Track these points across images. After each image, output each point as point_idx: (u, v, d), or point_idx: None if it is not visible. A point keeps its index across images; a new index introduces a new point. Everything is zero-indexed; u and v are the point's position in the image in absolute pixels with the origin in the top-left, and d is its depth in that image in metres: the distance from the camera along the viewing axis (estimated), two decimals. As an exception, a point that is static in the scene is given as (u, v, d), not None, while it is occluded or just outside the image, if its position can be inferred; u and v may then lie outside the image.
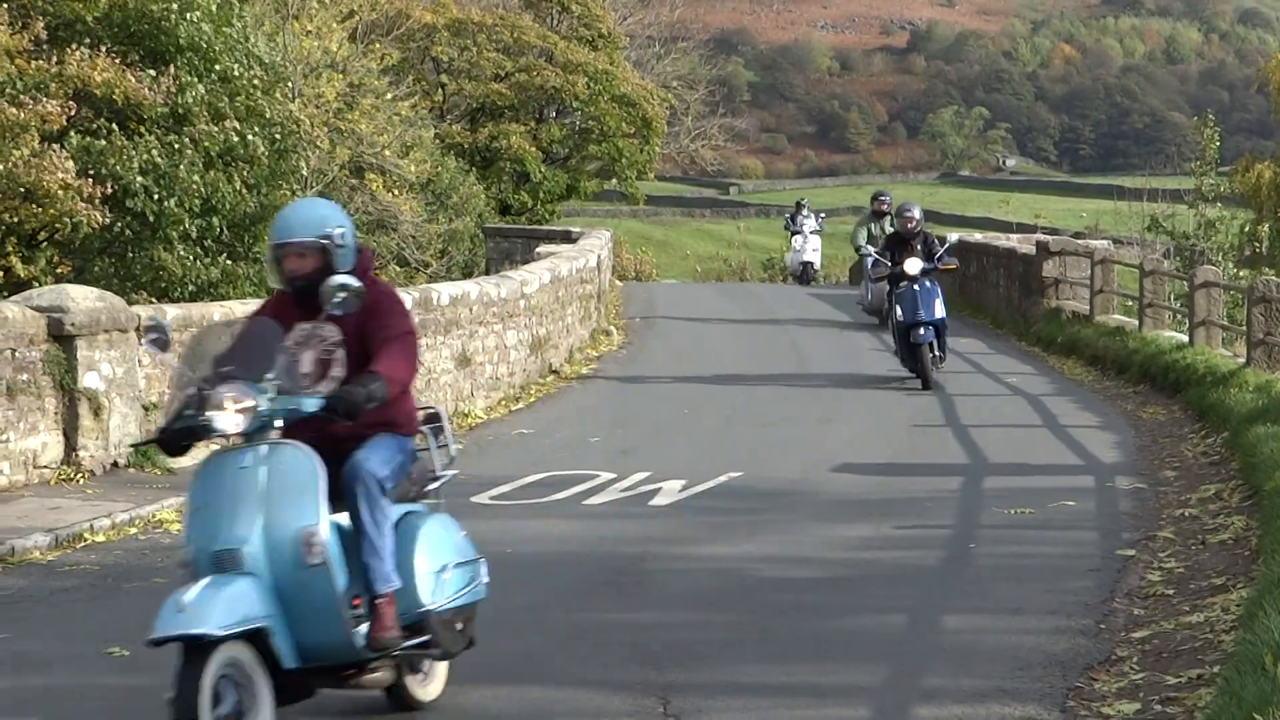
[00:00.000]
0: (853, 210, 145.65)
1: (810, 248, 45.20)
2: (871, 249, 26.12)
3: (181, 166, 23.57)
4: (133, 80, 23.68)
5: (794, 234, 45.89)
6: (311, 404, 7.71)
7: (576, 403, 23.04)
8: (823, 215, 49.61)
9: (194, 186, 23.63)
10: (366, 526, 7.81)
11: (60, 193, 22.03)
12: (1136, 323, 26.47)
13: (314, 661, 7.67)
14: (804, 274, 45.17)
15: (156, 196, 23.45)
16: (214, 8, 25.35)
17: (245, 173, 24.86)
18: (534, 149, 51.90)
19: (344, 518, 7.84)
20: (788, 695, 8.62)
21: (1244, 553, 11.70)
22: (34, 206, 22.32)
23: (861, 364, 26.23)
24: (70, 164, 22.42)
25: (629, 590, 11.18)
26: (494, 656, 9.34)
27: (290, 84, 31.05)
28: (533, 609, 10.73)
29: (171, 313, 16.69)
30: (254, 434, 7.64)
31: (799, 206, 46.56)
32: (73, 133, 23.52)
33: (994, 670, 8.95)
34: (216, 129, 24.45)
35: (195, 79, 24.71)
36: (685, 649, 9.51)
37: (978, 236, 42.49)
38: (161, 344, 7.85)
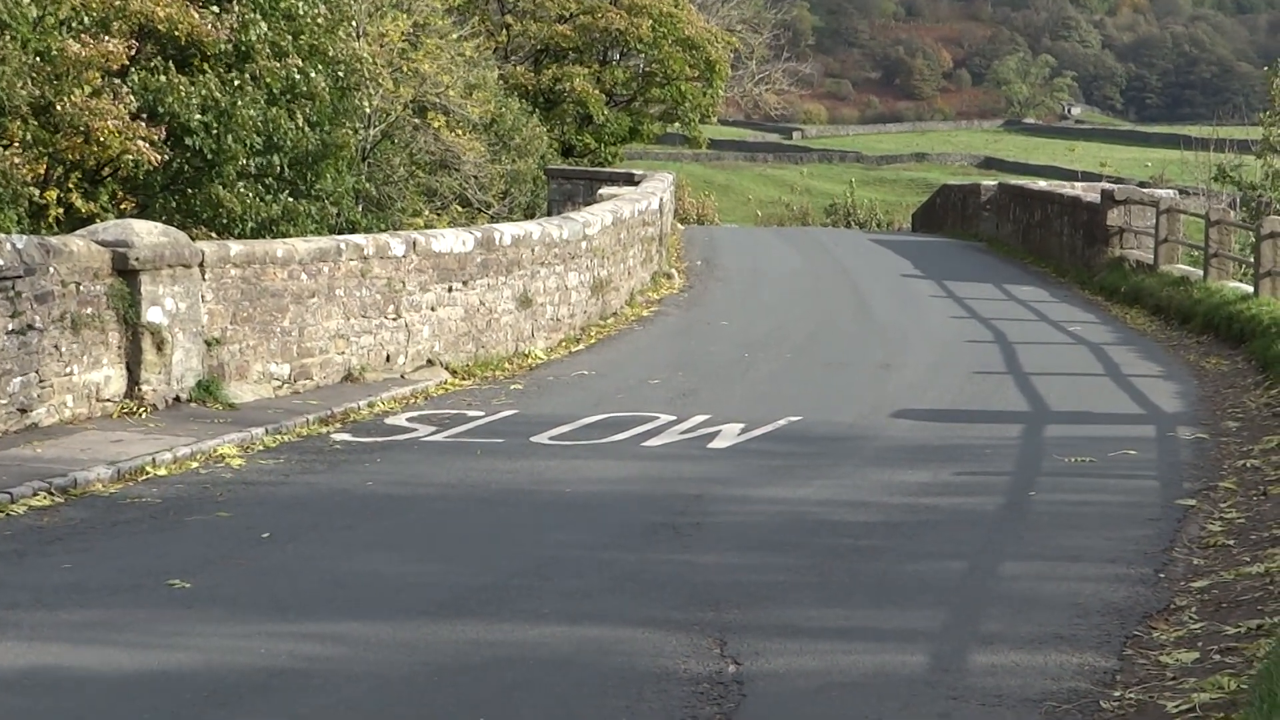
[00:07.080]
0: (915, 158, 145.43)
1: None
2: None
3: (240, 103, 23.53)
4: (196, 17, 23.63)
5: None
6: None
7: (636, 345, 23.04)
8: None
9: (253, 123, 23.61)
10: None
11: (114, 136, 22.03)
12: (1201, 273, 26.30)
13: None
14: None
15: (215, 133, 23.43)
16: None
17: (307, 110, 24.85)
18: (597, 91, 51.85)
19: None
20: (845, 638, 8.61)
21: (1306, 504, 11.63)
22: (93, 146, 22.37)
23: (923, 310, 26.17)
24: (131, 99, 22.44)
25: (687, 531, 11.17)
26: (552, 595, 9.37)
27: (354, 23, 31.03)
28: (591, 548, 10.75)
29: (234, 248, 16.76)
30: None
31: None
32: (134, 70, 23.49)
33: (1052, 617, 8.92)
34: (278, 65, 24.41)
35: (259, 16, 24.65)
36: (743, 590, 9.50)
37: (1042, 184, 42.23)
38: None
